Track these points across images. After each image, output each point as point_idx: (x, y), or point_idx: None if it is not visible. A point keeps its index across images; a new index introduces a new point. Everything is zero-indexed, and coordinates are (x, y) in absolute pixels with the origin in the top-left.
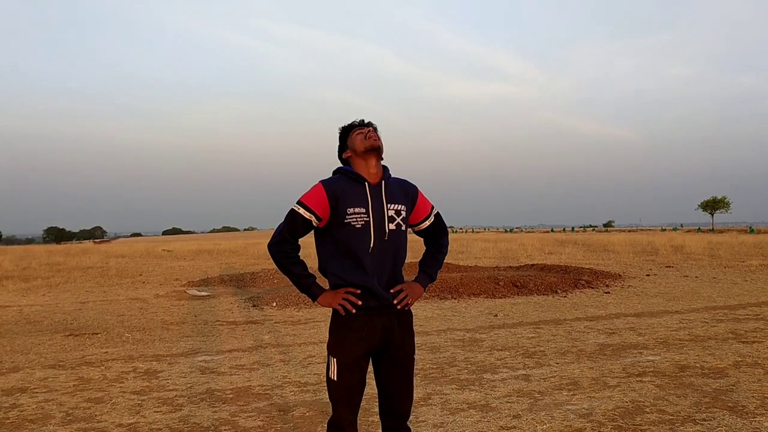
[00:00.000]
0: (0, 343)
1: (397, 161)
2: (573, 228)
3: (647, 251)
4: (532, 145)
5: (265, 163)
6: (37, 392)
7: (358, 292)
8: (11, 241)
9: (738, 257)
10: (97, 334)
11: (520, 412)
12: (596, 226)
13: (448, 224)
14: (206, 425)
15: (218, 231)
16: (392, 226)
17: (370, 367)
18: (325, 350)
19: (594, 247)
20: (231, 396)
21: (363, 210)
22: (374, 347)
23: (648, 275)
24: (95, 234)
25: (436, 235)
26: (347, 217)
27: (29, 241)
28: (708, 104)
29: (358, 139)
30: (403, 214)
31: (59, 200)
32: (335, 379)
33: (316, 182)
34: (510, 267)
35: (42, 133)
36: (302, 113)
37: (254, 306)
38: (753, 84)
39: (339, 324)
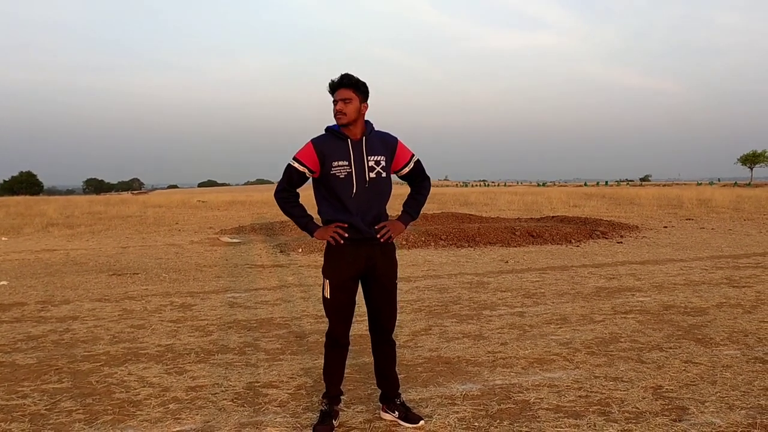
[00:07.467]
0: (51, 281)
1: (432, 116)
2: (606, 182)
3: (672, 205)
4: (570, 97)
5: (299, 117)
6: (86, 320)
7: (345, 226)
8: (52, 191)
9: (762, 211)
10: (138, 274)
11: (508, 341)
12: (632, 181)
13: (481, 178)
14: (232, 347)
15: (252, 183)
16: (372, 175)
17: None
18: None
19: (620, 200)
20: (255, 325)
21: (345, 162)
22: (360, 271)
23: (665, 227)
24: (133, 186)
25: (417, 179)
26: (333, 169)
27: (70, 191)
28: (756, 55)
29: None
30: (383, 163)
31: (98, 152)
32: (329, 297)
33: (308, 141)
34: (531, 219)
35: (81, 86)
36: (335, 66)
37: (282, 252)
38: None
39: (331, 252)
